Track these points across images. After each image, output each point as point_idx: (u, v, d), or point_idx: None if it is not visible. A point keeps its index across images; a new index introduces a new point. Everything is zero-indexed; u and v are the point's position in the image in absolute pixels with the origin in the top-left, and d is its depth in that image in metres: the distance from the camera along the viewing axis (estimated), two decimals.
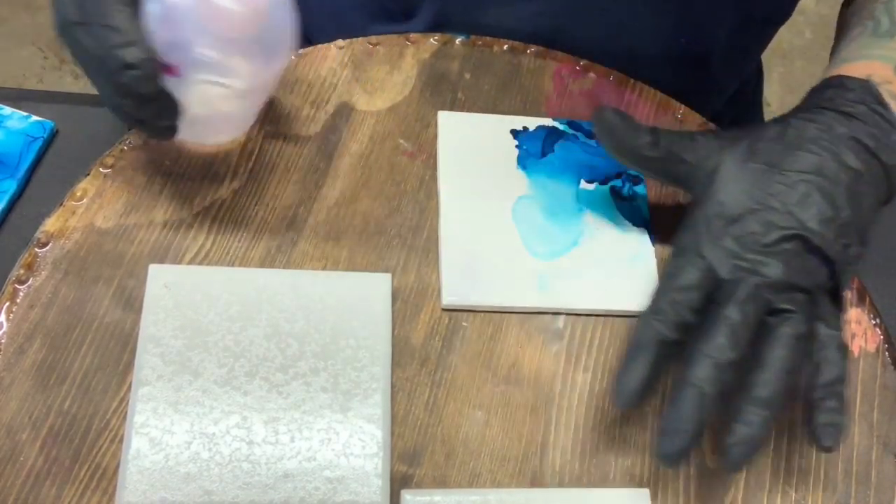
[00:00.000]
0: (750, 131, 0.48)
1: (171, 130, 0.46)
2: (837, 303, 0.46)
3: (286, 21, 0.45)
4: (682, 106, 0.58)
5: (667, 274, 0.45)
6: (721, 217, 0.45)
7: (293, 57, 0.55)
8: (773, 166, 0.46)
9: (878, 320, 0.53)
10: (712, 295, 0.44)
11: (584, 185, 0.54)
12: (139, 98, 0.43)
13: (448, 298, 0.49)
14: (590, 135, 0.55)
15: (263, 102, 0.50)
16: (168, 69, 0.43)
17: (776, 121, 0.48)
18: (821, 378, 0.43)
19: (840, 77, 0.49)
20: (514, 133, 0.55)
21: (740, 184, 0.46)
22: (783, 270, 0.44)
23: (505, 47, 0.58)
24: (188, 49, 0.43)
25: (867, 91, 0.47)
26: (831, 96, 0.48)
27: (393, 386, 0.46)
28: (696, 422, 0.41)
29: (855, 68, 0.49)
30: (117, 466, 0.43)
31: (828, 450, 0.44)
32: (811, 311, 0.44)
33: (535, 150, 0.54)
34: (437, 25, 0.62)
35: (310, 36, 0.71)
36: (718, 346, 0.42)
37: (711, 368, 0.42)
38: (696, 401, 0.41)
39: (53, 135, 0.57)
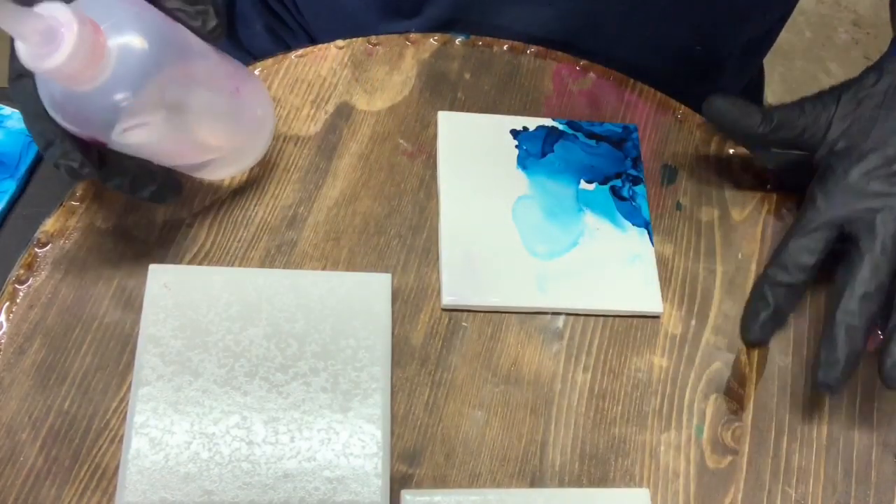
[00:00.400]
0: (849, 85, 0.52)
1: (171, 190, 0.46)
2: None
3: (138, 37, 0.40)
4: (683, 106, 0.58)
5: (795, 221, 0.50)
6: (843, 160, 0.49)
7: (293, 56, 0.55)
8: (879, 108, 0.50)
9: (878, 321, 0.53)
10: (843, 232, 0.48)
11: (583, 185, 0.54)
12: (97, 180, 0.42)
13: (447, 298, 0.49)
14: (590, 135, 0.55)
15: (232, 116, 0.47)
16: (97, 142, 0.41)
17: (871, 70, 0.52)
18: None
19: None
20: (514, 133, 0.55)
21: (854, 130, 0.50)
22: None
23: (505, 47, 0.58)
24: (82, 118, 0.40)
25: None
26: None
27: (393, 386, 0.47)
28: (849, 352, 0.46)
29: None
30: (117, 466, 0.43)
31: None
32: None
33: (534, 150, 0.54)
34: (447, 22, 0.62)
35: (314, 36, 0.71)
36: (863, 278, 0.47)
37: (858, 301, 0.46)
38: (848, 333, 0.46)
39: None
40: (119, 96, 0.39)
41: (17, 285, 0.46)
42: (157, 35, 0.40)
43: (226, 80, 0.46)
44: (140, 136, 0.41)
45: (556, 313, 0.50)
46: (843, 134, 0.50)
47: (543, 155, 0.54)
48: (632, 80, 0.59)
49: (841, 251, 0.49)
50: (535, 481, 0.46)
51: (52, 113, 0.40)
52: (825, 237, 0.49)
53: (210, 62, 0.45)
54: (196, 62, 0.43)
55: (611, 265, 0.51)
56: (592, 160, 0.55)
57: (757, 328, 0.49)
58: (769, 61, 0.87)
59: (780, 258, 0.49)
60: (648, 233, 0.53)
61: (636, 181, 0.54)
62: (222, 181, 0.51)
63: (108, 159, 0.43)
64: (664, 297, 0.51)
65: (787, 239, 0.50)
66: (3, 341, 0.45)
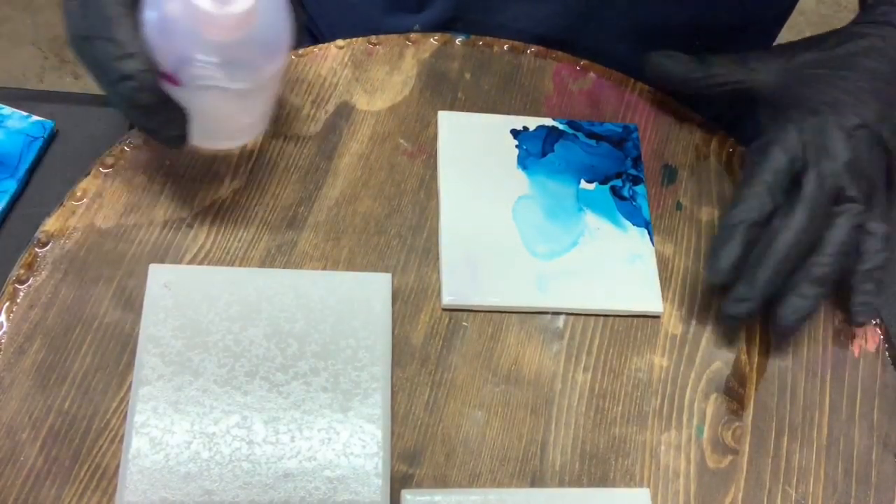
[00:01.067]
0: (808, 45, 0.53)
1: (182, 139, 0.46)
2: (889, 197, 0.51)
3: (280, 18, 0.45)
4: (683, 106, 0.58)
5: (752, 165, 0.50)
6: (797, 112, 0.50)
7: (293, 56, 0.55)
8: (835, 70, 0.51)
9: (878, 320, 0.53)
10: (794, 178, 0.49)
11: (584, 184, 0.54)
12: (140, 108, 0.43)
13: (447, 298, 0.49)
14: (590, 134, 0.55)
15: (271, 101, 0.50)
16: (169, 78, 0.43)
17: (834, 32, 0.53)
18: (863, 265, 0.49)
19: None
20: (514, 133, 0.55)
21: (807, 88, 0.51)
22: (852, 154, 0.49)
23: (505, 47, 0.58)
24: (185, 57, 0.43)
25: None
26: (884, 12, 0.53)
27: (393, 386, 0.46)
28: (760, 293, 0.47)
29: None
30: (117, 466, 0.43)
31: (860, 324, 0.51)
32: (868, 202, 0.49)
33: (535, 149, 0.54)
34: (450, 19, 0.62)
35: (317, 32, 0.71)
36: (797, 222, 0.47)
37: (785, 245, 0.47)
38: (765, 273, 0.47)
39: (53, 135, 0.57)
40: (242, 60, 0.43)
41: (17, 285, 0.46)
42: (287, 20, 0.45)
43: (280, 79, 0.49)
44: (222, 94, 0.45)
45: (557, 313, 0.50)
46: (794, 91, 0.51)
47: (544, 155, 0.54)
48: (632, 80, 0.59)
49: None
50: (536, 481, 0.46)
51: (154, 37, 0.42)
52: (785, 180, 0.49)
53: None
54: (280, 72, 0.47)
55: (611, 265, 0.51)
56: (593, 160, 0.55)
57: (727, 271, 0.48)
58: None
59: (749, 200, 0.49)
60: (649, 233, 0.53)
61: (636, 181, 0.54)
62: (222, 181, 0.51)
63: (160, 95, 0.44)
64: (664, 297, 0.51)
65: (752, 178, 0.49)
66: (3, 341, 0.45)
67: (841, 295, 0.52)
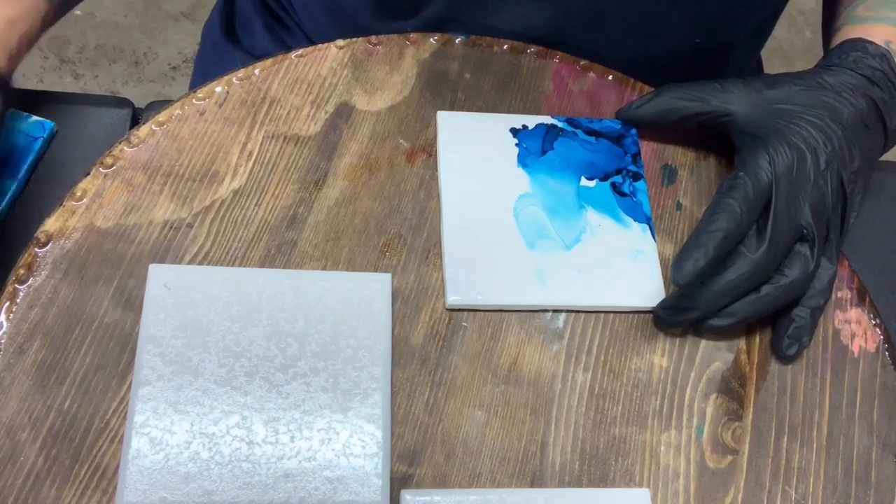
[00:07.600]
0: (779, 78, 0.54)
1: None
2: (841, 238, 0.52)
3: None
4: None
5: (730, 187, 0.50)
6: (773, 140, 0.51)
7: (293, 56, 0.55)
8: (806, 108, 0.51)
9: (877, 320, 0.53)
10: (766, 204, 0.50)
11: (584, 181, 0.54)
12: None
13: (451, 298, 0.49)
14: (589, 131, 0.55)
15: None
16: None
17: (803, 72, 0.54)
18: (807, 301, 0.50)
19: (862, 41, 0.55)
20: (514, 131, 0.55)
21: (781, 121, 0.51)
22: (819, 196, 0.50)
23: (505, 47, 0.58)
24: None
25: (886, 60, 0.54)
26: (855, 59, 0.54)
27: (393, 386, 0.46)
28: (700, 314, 0.49)
29: (874, 31, 0.55)
30: (117, 466, 0.43)
31: (787, 358, 0.50)
32: (823, 242, 0.50)
33: (535, 147, 0.54)
34: (443, 22, 0.61)
35: (311, 36, 0.71)
36: (757, 256, 0.48)
37: (739, 276, 0.48)
38: (712, 296, 0.48)
39: (53, 135, 0.57)
40: None
41: (17, 285, 0.46)
42: None
43: None
44: None
45: (558, 310, 0.50)
46: (765, 121, 0.52)
47: (543, 153, 0.54)
48: (632, 80, 0.59)
49: None
50: (535, 481, 0.46)
51: None
52: (755, 210, 0.49)
53: None
54: None
55: (614, 261, 0.51)
56: (592, 157, 0.55)
57: (693, 274, 0.47)
58: (769, 60, 0.87)
59: (732, 211, 0.49)
60: (650, 228, 0.53)
61: (636, 177, 0.54)
62: (222, 181, 0.51)
63: None
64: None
65: (734, 193, 0.49)
66: (3, 341, 0.45)
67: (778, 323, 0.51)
